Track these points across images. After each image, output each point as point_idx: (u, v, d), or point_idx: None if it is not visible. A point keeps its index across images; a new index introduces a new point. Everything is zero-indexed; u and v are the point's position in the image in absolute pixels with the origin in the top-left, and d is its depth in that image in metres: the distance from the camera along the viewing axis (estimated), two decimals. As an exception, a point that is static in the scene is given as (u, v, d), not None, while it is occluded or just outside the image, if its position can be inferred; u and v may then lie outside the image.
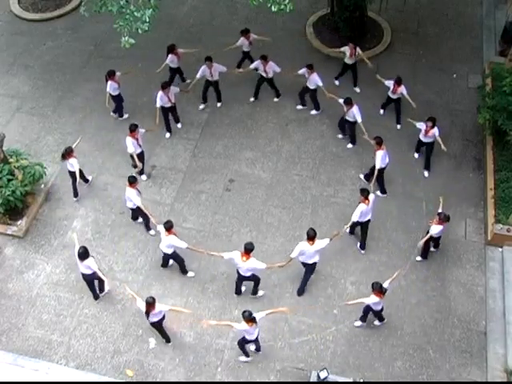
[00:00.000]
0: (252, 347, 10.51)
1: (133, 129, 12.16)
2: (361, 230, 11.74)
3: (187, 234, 11.89)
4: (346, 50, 14.12)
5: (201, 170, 13.36)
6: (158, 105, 13.09)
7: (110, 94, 13.47)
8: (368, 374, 10.46)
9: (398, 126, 13.99)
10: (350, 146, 13.71)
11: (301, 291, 11.32)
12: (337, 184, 13.06)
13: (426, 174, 13.15)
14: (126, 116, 14.23)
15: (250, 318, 9.45)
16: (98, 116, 14.30)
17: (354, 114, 12.78)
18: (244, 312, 9.54)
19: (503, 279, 11.48)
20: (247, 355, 10.45)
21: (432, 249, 11.72)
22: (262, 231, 12.27)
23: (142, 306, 9.86)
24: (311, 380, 10.17)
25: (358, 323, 10.91)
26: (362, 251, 11.91)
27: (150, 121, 13.21)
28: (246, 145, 13.82)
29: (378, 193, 12.58)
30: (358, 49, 14.10)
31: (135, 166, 12.59)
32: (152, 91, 13.58)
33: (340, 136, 13.86)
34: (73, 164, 12.00)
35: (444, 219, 10.88)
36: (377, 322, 10.91)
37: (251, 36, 14.37)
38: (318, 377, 9.77)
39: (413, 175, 13.17)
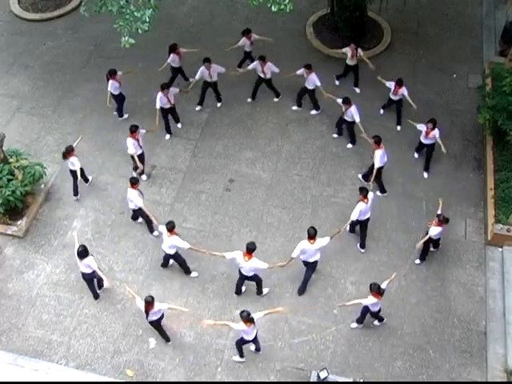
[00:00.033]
0: (252, 347, 10.51)
1: (133, 130, 12.15)
2: (360, 228, 11.74)
3: (187, 234, 11.88)
4: (348, 51, 14.10)
5: (201, 170, 13.37)
6: (158, 106, 13.09)
7: (111, 94, 13.47)
8: (368, 373, 10.46)
9: (398, 128, 13.98)
10: (349, 145, 13.71)
11: (302, 290, 11.32)
12: (337, 184, 13.06)
13: (425, 175, 13.14)
14: (125, 116, 14.23)
15: (247, 319, 9.45)
16: (98, 116, 14.30)
17: (353, 113, 12.78)
18: (242, 312, 9.54)
19: (503, 279, 11.48)
20: (242, 356, 10.45)
21: (432, 249, 11.72)
22: (262, 231, 12.27)
23: (141, 305, 9.87)
24: (311, 380, 10.17)
25: (354, 325, 10.91)
26: (362, 250, 11.92)
27: (150, 121, 13.21)
28: (245, 145, 13.82)
29: (378, 193, 12.58)
30: (359, 50, 14.08)
31: (136, 168, 12.59)
32: (152, 91, 13.58)
33: (335, 135, 13.85)
34: (74, 163, 12.02)
35: (443, 221, 10.87)
36: (376, 322, 10.91)
37: (253, 36, 14.37)
38: (318, 377, 9.77)
39: (413, 175, 13.17)
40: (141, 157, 12.53)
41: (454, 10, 17.08)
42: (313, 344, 10.78)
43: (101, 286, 11.11)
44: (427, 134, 12.46)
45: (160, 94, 12.99)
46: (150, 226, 12.01)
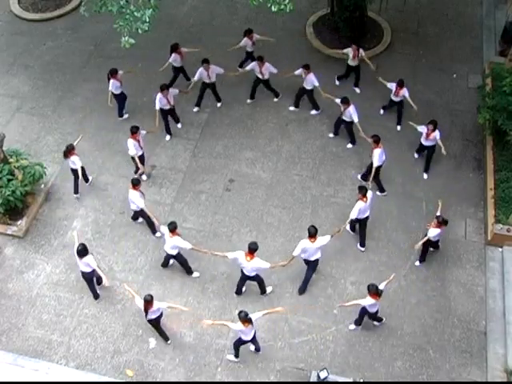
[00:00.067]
0: (252, 347, 10.51)
1: (134, 131, 12.14)
2: (359, 227, 11.76)
3: (187, 234, 11.87)
4: (349, 51, 14.06)
5: (201, 169, 13.36)
6: (158, 107, 13.08)
7: (113, 93, 13.47)
8: (368, 373, 10.46)
9: (398, 127, 13.97)
10: (349, 145, 13.71)
11: (302, 290, 11.32)
12: (337, 184, 13.06)
13: (425, 176, 13.11)
14: (125, 116, 14.23)
15: (245, 319, 9.44)
16: (98, 116, 14.30)
17: (351, 113, 12.78)
18: (240, 312, 9.55)
19: (503, 279, 11.48)
20: (237, 356, 10.44)
21: (431, 249, 11.71)
22: (262, 231, 12.27)
23: (141, 304, 9.88)
24: (311, 380, 10.17)
25: (352, 327, 10.90)
26: (362, 249, 11.91)
27: (150, 121, 13.20)
28: (246, 145, 13.82)
29: (378, 192, 12.58)
30: (361, 50, 14.04)
31: (137, 170, 12.56)
32: (152, 91, 13.59)
33: (331, 135, 13.84)
34: (75, 161, 12.03)
35: (442, 222, 10.86)
36: (376, 323, 10.91)
37: (254, 36, 14.37)
38: (318, 377, 9.77)
39: (413, 175, 13.17)
40: (141, 158, 12.52)
41: (454, 10, 17.08)
42: (313, 344, 10.78)
43: (100, 282, 11.05)
44: (428, 135, 12.43)
45: (159, 95, 12.99)
46: (152, 228, 12.00)
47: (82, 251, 10.32)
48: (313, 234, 10.47)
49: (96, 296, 11.22)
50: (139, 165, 12.41)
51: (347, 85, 14.77)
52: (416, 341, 10.83)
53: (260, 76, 13.94)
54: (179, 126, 14.07)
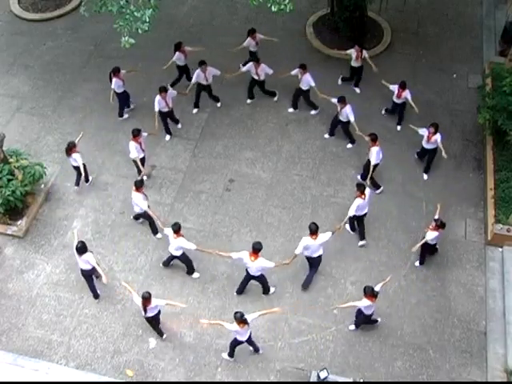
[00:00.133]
0: (250, 348, 10.48)
1: (136, 133, 12.10)
2: (357, 223, 11.80)
3: (187, 234, 11.81)
4: (352, 52, 14.00)
5: (201, 170, 13.36)
6: (157, 109, 13.05)
7: (115, 92, 13.46)
8: (368, 373, 10.46)
9: (399, 127, 13.96)
10: (349, 145, 13.70)
11: (306, 285, 11.33)
12: (337, 184, 13.06)
13: (425, 177, 13.10)
14: (125, 116, 14.22)
15: (241, 320, 9.44)
16: (98, 116, 14.30)
17: (347, 113, 12.75)
18: (236, 313, 9.54)
19: (503, 279, 11.48)
20: (231, 356, 10.44)
21: (428, 255, 11.70)
22: (262, 231, 12.27)
23: (139, 302, 9.88)
24: (311, 380, 10.17)
25: (352, 327, 10.91)
26: (363, 242, 11.89)
27: (150, 121, 13.19)
28: (246, 145, 13.81)
29: (376, 191, 12.58)
30: (364, 51, 13.99)
31: (140, 173, 12.51)
32: (152, 91, 13.57)
33: (326, 136, 13.81)
34: (76, 159, 12.06)
35: (440, 226, 10.85)
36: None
37: (257, 36, 14.35)
38: (318, 377, 9.77)
39: (413, 175, 13.17)
40: (142, 160, 12.49)
41: (454, 10, 17.08)
42: (313, 344, 10.79)
43: (97, 276, 10.92)
44: (429, 138, 12.36)
45: (158, 97, 12.96)
46: (153, 228, 12.00)
47: (82, 248, 10.33)
48: (314, 231, 10.52)
49: (96, 296, 11.22)
50: (141, 167, 12.39)
51: (347, 85, 14.76)
52: (416, 341, 10.83)
53: (256, 77, 13.92)
54: (179, 126, 14.07)
